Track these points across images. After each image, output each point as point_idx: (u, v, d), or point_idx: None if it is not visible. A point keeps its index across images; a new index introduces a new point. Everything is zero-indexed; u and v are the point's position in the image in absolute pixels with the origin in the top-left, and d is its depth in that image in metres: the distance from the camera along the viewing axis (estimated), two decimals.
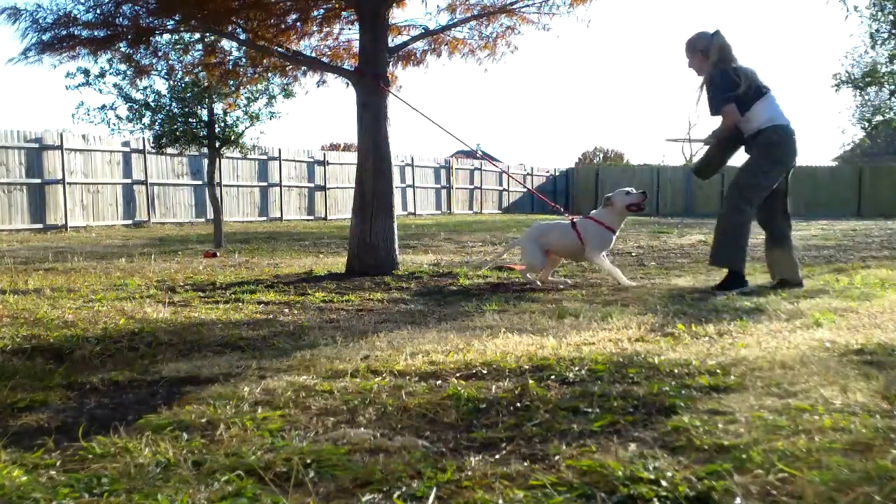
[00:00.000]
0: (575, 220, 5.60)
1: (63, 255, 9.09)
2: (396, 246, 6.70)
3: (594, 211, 5.66)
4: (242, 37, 7.05)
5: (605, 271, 5.60)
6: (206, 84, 9.54)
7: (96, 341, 3.33)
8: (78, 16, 6.33)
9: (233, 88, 9.54)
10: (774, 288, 4.88)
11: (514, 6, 7.08)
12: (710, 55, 4.84)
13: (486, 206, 29.07)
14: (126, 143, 16.91)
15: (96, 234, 14.49)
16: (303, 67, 7.58)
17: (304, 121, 77.62)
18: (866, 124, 23.88)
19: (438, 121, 6.57)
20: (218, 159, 12.68)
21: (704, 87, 4.93)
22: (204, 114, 11.08)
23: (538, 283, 5.58)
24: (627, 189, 5.53)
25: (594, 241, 5.42)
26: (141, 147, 17.07)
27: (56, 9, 6.29)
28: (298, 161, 21.57)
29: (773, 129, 4.76)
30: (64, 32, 6.32)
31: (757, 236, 5.27)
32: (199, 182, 18.36)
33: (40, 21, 6.27)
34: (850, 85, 21.16)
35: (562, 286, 5.41)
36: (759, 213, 4.97)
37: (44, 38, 6.31)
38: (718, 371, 2.50)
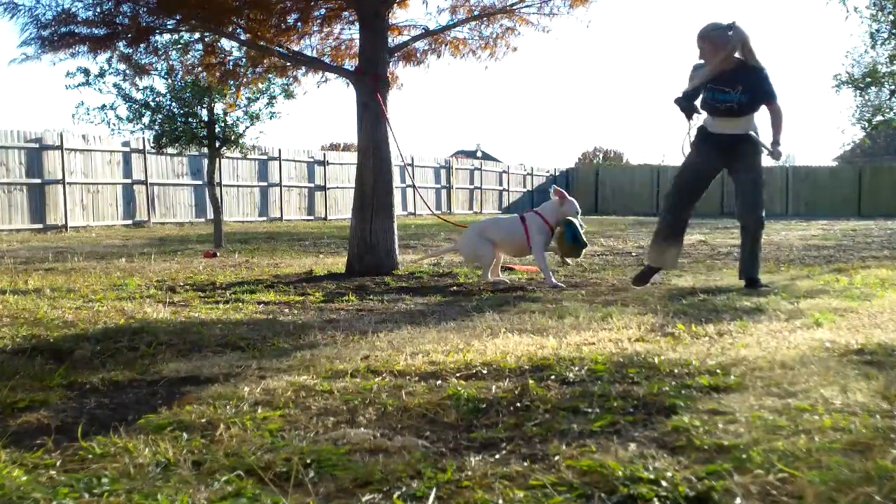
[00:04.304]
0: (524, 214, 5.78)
1: (63, 255, 9.09)
2: (396, 246, 6.70)
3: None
4: (243, 37, 7.05)
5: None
6: (206, 84, 9.53)
7: (96, 341, 3.33)
8: (77, 13, 6.32)
9: (233, 89, 9.53)
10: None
11: (514, 7, 7.08)
12: (730, 47, 4.77)
13: (486, 206, 29.08)
14: (126, 143, 16.89)
15: (96, 234, 14.48)
16: (303, 67, 7.57)
17: (304, 121, 77.79)
18: (866, 124, 23.83)
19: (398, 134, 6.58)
20: (218, 159, 12.67)
21: (738, 72, 4.79)
22: (204, 114, 11.07)
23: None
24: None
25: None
26: (141, 147, 17.06)
27: (55, 4, 6.27)
28: (298, 161, 21.57)
29: (756, 132, 4.92)
30: (64, 29, 6.31)
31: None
32: (199, 182, 18.34)
33: (39, 17, 6.25)
34: (850, 85, 21.12)
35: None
36: (689, 206, 5.12)
37: (43, 34, 6.29)
38: (718, 371, 2.50)
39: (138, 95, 10.81)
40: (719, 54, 4.80)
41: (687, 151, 5.08)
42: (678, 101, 4.96)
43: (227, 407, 2.25)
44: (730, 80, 4.80)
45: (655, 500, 1.54)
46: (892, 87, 21.07)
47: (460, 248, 6.01)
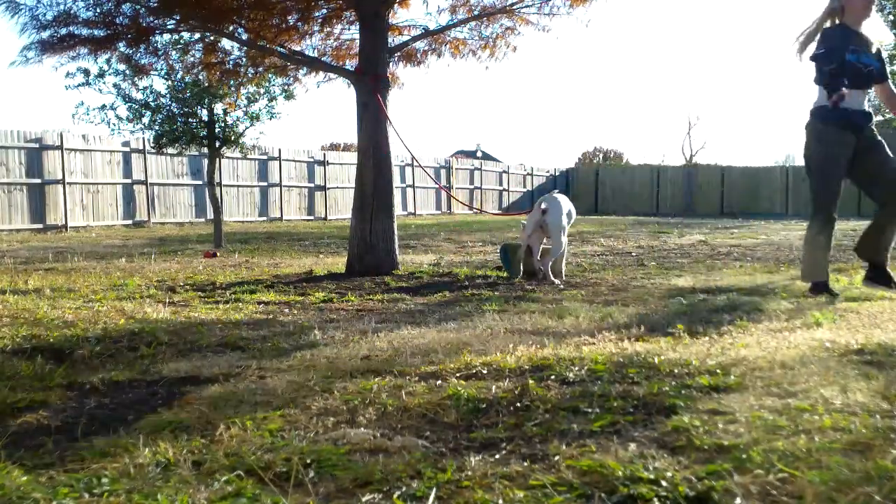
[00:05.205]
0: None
1: (63, 255, 9.08)
2: (396, 246, 6.70)
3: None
4: (243, 37, 7.05)
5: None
6: (206, 84, 9.53)
7: (96, 341, 3.33)
8: (78, 13, 6.32)
9: (233, 88, 9.53)
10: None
11: (514, 7, 7.08)
12: None
13: (486, 206, 29.07)
14: (126, 143, 16.89)
15: (96, 234, 14.48)
16: (303, 67, 7.58)
17: (304, 121, 77.65)
18: None
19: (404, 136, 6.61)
20: (218, 159, 12.66)
21: (862, 43, 4.41)
22: (204, 114, 11.06)
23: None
24: None
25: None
26: (141, 147, 17.05)
27: (55, 3, 6.27)
28: (298, 161, 21.56)
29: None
30: (64, 30, 6.31)
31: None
32: (199, 182, 18.34)
33: (40, 17, 6.25)
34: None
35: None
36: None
37: (43, 36, 6.29)
38: (718, 371, 2.50)
39: (138, 95, 10.82)
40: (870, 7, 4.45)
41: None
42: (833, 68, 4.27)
43: (227, 407, 2.25)
44: (866, 42, 4.44)
45: (655, 500, 1.54)
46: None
47: (554, 212, 5.73)
